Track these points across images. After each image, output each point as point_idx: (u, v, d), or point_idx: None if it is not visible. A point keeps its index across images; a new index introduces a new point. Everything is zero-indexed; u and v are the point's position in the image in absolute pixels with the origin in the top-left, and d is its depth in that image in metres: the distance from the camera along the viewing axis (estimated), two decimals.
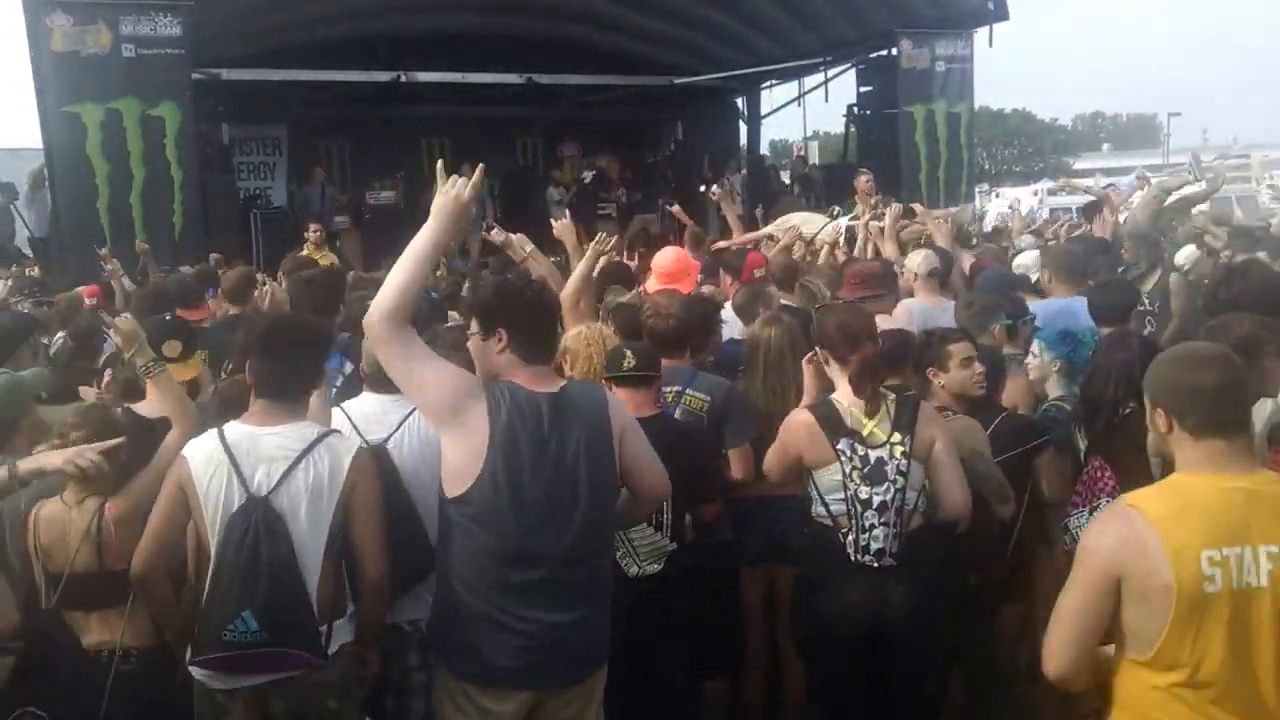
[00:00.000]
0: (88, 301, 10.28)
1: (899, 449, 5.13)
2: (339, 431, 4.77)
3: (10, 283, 12.05)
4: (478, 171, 4.60)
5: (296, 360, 4.67)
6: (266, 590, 4.29)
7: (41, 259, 16.94)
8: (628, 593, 4.93)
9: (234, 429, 4.54)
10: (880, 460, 5.13)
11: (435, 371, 4.30)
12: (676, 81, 23.80)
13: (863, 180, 16.18)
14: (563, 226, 8.37)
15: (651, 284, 8.36)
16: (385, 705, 5.28)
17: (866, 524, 5.11)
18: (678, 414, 5.95)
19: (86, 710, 4.58)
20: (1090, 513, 5.55)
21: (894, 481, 5.10)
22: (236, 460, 4.42)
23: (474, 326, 4.51)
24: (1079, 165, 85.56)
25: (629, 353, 5.55)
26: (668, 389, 5.95)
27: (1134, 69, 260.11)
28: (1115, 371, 5.60)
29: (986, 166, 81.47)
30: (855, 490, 5.13)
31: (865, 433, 5.16)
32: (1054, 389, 6.42)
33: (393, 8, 21.74)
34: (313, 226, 16.47)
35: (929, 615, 5.18)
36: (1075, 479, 5.83)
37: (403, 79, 20.33)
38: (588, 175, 23.18)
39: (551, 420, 4.29)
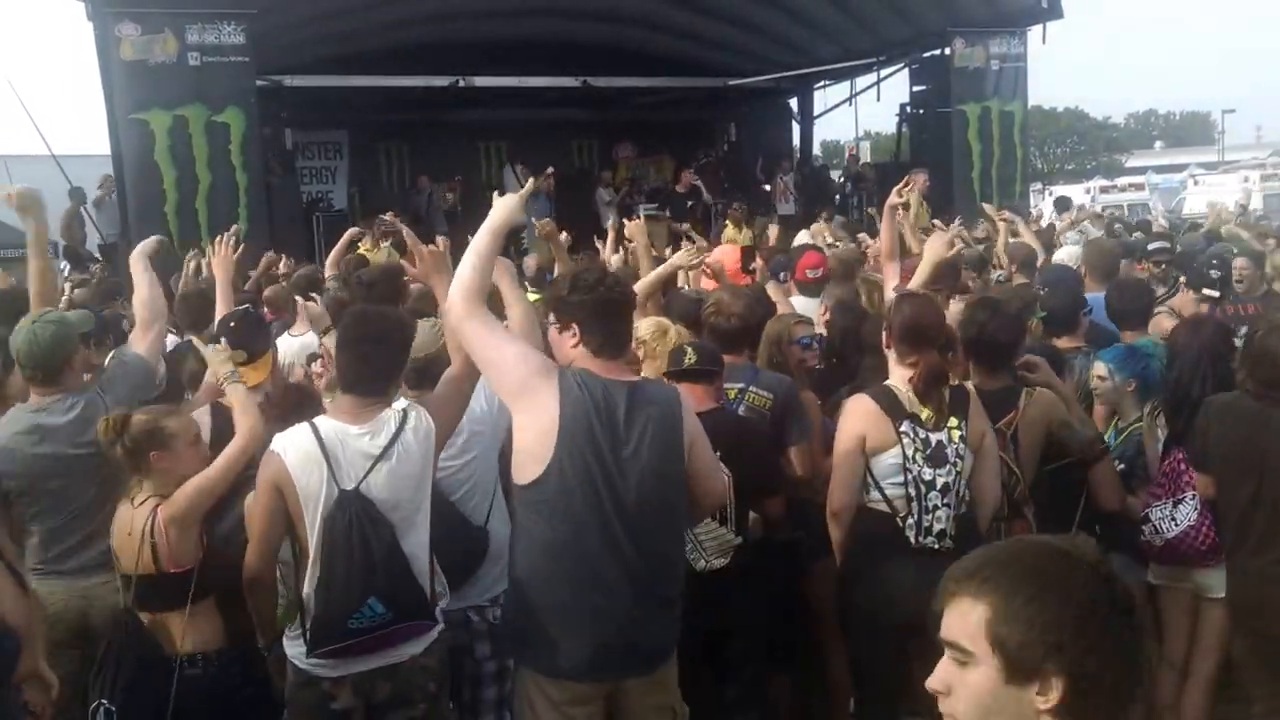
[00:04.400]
0: None
1: (956, 433, 5.18)
2: (416, 408, 4.73)
3: (82, 289, 12.14)
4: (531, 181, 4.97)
5: (377, 355, 4.70)
6: (385, 575, 4.41)
7: (110, 262, 17.23)
8: (696, 587, 4.87)
9: (326, 424, 4.58)
10: (940, 443, 5.16)
11: (509, 349, 4.39)
12: (730, 83, 23.81)
13: (920, 179, 16.29)
14: (635, 227, 8.40)
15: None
16: (462, 696, 5.39)
17: (930, 505, 5.14)
18: (741, 410, 5.93)
19: (153, 710, 4.68)
20: (1174, 505, 5.64)
21: (954, 464, 5.15)
22: (330, 457, 4.47)
23: (550, 318, 4.58)
24: (1131, 163, 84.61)
25: (690, 349, 5.58)
26: (730, 386, 5.94)
27: (1187, 66, 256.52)
28: (1191, 360, 5.76)
29: (1039, 165, 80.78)
30: (919, 472, 5.15)
31: (926, 416, 5.20)
32: (1129, 411, 6.32)
33: (451, 14, 22.05)
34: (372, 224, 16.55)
35: None
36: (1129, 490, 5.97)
37: (461, 84, 20.46)
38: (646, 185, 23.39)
39: (627, 409, 4.31)
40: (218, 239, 7.23)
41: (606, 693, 4.42)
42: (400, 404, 4.70)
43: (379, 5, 20.78)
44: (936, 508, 5.15)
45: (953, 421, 5.19)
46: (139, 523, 4.77)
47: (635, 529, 4.30)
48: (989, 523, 5.36)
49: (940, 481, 5.15)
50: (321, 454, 4.48)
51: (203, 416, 5.67)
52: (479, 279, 4.45)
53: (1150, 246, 10.38)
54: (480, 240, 4.55)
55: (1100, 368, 6.36)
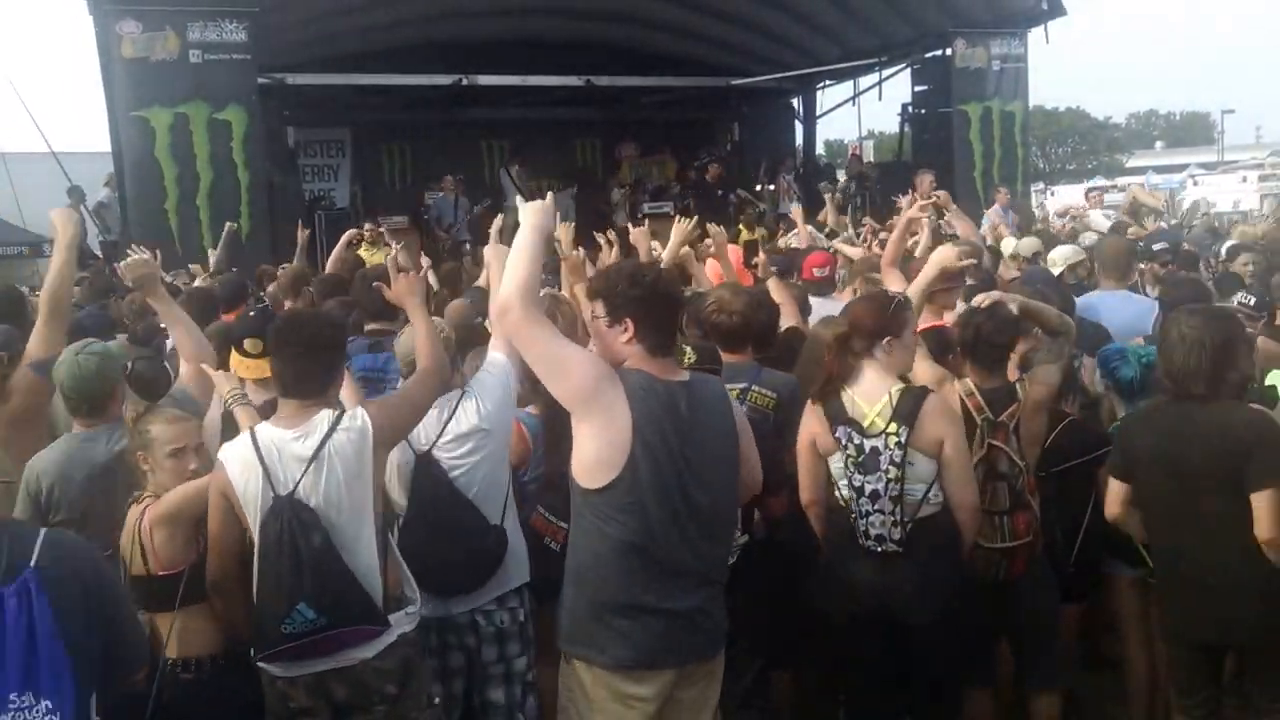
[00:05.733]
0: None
1: (893, 439, 5.16)
2: (346, 411, 4.72)
3: (79, 287, 12.08)
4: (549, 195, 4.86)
5: (311, 359, 4.70)
6: (314, 579, 4.38)
7: (110, 261, 17.23)
8: None
9: (265, 431, 4.63)
10: (875, 450, 5.18)
11: (574, 356, 4.33)
12: (733, 82, 23.84)
13: (926, 180, 16.32)
14: (639, 233, 8.41)
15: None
16: (471, 700, 5.40)
17: (863, 510, 5.22)
18: (744, 410, 5.73)
19: (133, 710, 4.55)
20: None
21: (886, 471, 5.16)
22: (266, 463, 4.51)
23: (599, 311, 4.44)
24: (1132, 163, 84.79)
25: (689, 349, 5.56)
26: (734, 385, 5.84)
27: (1188, 67, 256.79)
28: None
29: (1041, 165, 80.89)
30: (851, 477, 5.25)
31: (866, 422, 5.22)
32: (1119, 407, 6.30)
33: (454, 13, 22.08)
34: (367, 226, 16.33)
35: (937, 602, 5.20)
36: None
37: (464, 82, 20.45)
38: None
39: (689, 409, 4.33)
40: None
41: (673, 680, 4.43)
42: (330, 418, 4.66)
43: (382, 4, 20.81)
44: (869, 513, 5.22)
45: (892, 427, 5.18)
46: (131, 523, 4.81)
47: (705, 523, 4.38)
48: (972, 526, 5.34)
49: (869, 488, 5.20)
50: (258, 460, 4.52)
51: (213, 411, 5.70)
52: (533, 280, 4.36)
53: (1155, 247, 10.35)
54: (528, 243, 4.43)
55: (1089, 362, 6.48)
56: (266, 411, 5.22)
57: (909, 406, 5.20)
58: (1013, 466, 5.55)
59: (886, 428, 5.18)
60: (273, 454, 4.53)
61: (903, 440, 5.15)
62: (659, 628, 4.33)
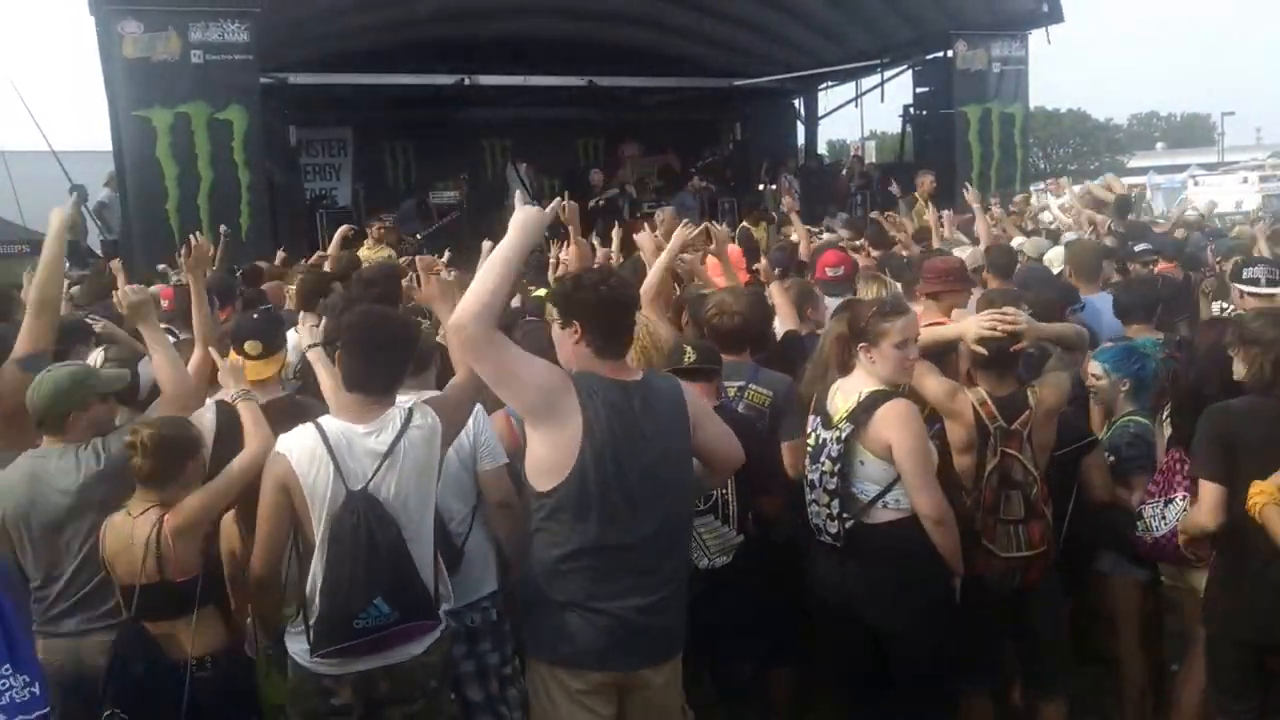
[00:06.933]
0: (164, 304, 9.43)
1: (834, 434, 5.21)
2: (421, 407, 4.68)
3: (80, 287, 12.02)
4: (558, 199, 4.83)
5: (383, 357, 4.68)
6: (392, 575, 4.39)
7: (110, 260, 17.20)
8: (698, 585, 4.99)
9: (332, 424, 4.55)
10: (825, 441, 5.26)
11: (526, 367, 4.29)
12: (736, 83, 23.93)
13: (926, 180, 16.40)
14: (644, 237, 8.40)
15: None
16: (471, 695, 5.36)
17: (808, 499, 5.34)
18: (741, 408, 5.97)
19: (167, 715, 4.70)
20: (1165, 505, 5.55)
21: (821, 463, 5.23)
22: (337, 456, 4.43)
23: (555, 314, 4.53)
24: (1133, 164, 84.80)
25: (689, 348, 5.66)
26: (731, 384, 6.02)
27: (1188, 68, 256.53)
28: (1203, 362, 5.73)
29: (1042, 165, 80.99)
30: (807, 466, 5.40)
31: (836, 417, 5.26)
32: (1124, 405, 6.27)
33: (456, 12, 22.05)
34: (373, 224, 16.41)
35: (893, 607, 5.20)
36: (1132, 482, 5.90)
37: (466, 82, 20.48)
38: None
39: (641, 408, 4.35)
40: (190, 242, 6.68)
41: (620, 683, 4.47)
42: (405, 400, 4.69)
43: (384, 3, 20.78)
44: (811, 502, 5.34)
45: (844, 424, 5.21)
46: (141, 533, 4.76)
47: (652, 524, 4.37)
48: (941, 537, 5.20)
49: (810, 477, 5.34)
50: (328, 453, 4.45)
51: (205, 413, 5.65)
52: (498, 302, 4.27)
53: (1137, 248, 10.32)
54: (505, 262, 4.33)
55: (1095, 366, 6.34)
56: (268, 413, 5.26)
57: (866, 406, 5.19)
58: (1027, 475, 5.46)
59: (840, 423, 5.23)
60: (343, 447, 4.47)
61: (843, 435, 5.18)
62: (607, 626, 4.37)
